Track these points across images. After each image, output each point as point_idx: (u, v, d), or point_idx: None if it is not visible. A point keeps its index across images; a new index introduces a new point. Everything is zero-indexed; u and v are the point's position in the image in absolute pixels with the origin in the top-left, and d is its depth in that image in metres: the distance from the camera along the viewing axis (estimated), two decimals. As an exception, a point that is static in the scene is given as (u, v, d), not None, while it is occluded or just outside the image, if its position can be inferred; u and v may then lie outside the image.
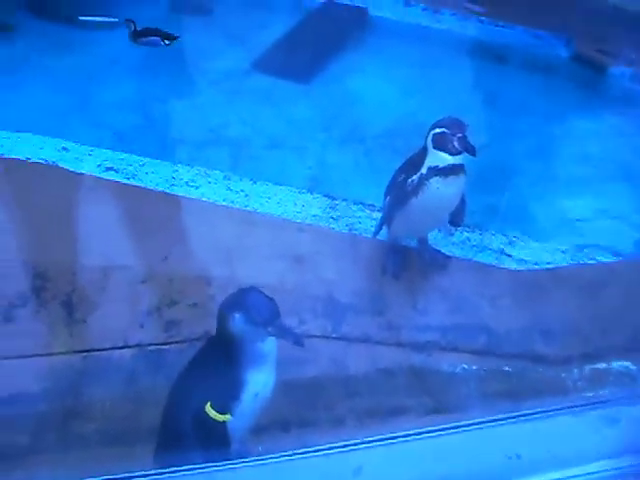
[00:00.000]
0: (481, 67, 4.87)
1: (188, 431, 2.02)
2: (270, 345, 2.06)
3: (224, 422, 1.96)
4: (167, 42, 4.47)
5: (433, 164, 2.64)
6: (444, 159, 2.61)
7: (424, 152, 2.69)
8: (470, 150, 2.58)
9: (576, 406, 2.66)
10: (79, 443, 2.42)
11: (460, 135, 2.58)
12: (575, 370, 2.85)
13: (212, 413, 1.94)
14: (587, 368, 2.87)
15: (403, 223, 2.84)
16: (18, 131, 3.46)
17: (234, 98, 4.31)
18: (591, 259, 3.22)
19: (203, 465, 2.03)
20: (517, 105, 4.62)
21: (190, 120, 4.06)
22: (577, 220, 3.65)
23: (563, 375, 2.83)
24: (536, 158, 4.22)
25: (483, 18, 5.16)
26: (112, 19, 4.62)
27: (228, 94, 4.34)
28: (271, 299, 2.06)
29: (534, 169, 4.13)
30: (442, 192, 2.67)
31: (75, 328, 2.68)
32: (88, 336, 2.66)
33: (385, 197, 2.87)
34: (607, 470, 2.22)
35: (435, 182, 2.65)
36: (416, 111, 4.27)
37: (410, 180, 2.70)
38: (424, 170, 2.66)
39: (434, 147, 2.63)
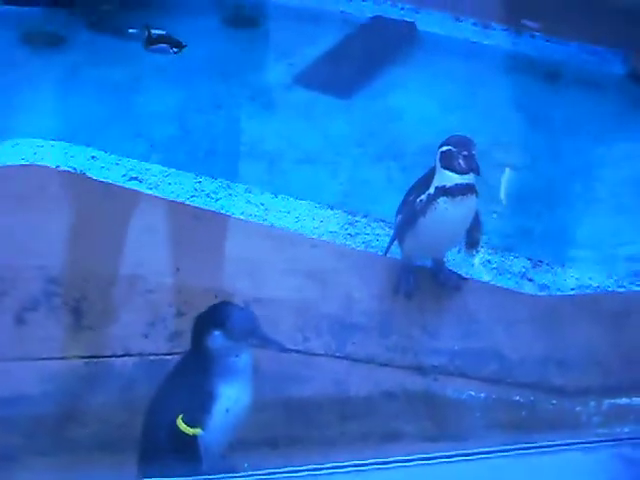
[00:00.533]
0: (530, 84, 4.74)
1: (163, 443, 2.02)
2: (244, 361, 2.04)
3: (195, 436, 1.95)
4: (175, 50, 4.56)
5: (441, 184, 2.57)
6: (451, 178, 2.55)
7: (433, 171, 2.63)
8: (475, 169, 2.51)
9: (588, 442, 2.53)
10: (72, 447, 2.45)
11: (466, 153, 2.50)
12: (592, 404, 2.71)
13: (182, 426, 1.93)
14: (606, 402, 2.73)
15: (414, 243, 2.78)
16: (54, 139, 3.58)
17: (273, 112, 4.33)
18: (620, 287, 3.07)
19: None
20: (565, 125, 4.47)
21: (225, 133, 4.11)
22: (613, 246, 3.48)
23: (578, 409, 2.69)
24: (579, 180, 4.07)
25: (536, 33, 5.02)
26: (160, 31, 4.72)
27: (268, 108, 4.36)
28: (248, 310, 2.04)
29: (575, 192, 3.98)
30: (451, 213, 2.60)
31: (81, 334, 2.73)
32: (92, 343, 2.70)
33: (396, 216, 2.82)
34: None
35: (443, 202, 2.58)
36: (456, 128, 4.13)
37: (419, 200, 2.64)
38: (432, 190, 2.59)
39: (441, 166, 2.57)
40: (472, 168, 2.51)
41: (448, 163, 2.55)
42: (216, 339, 2.01)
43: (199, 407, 1.97)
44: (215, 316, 2.04)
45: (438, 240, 2.78)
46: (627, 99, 4.64)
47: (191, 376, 2.03)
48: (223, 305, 2.07)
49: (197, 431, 1.96)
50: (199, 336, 2.03)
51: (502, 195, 3.92)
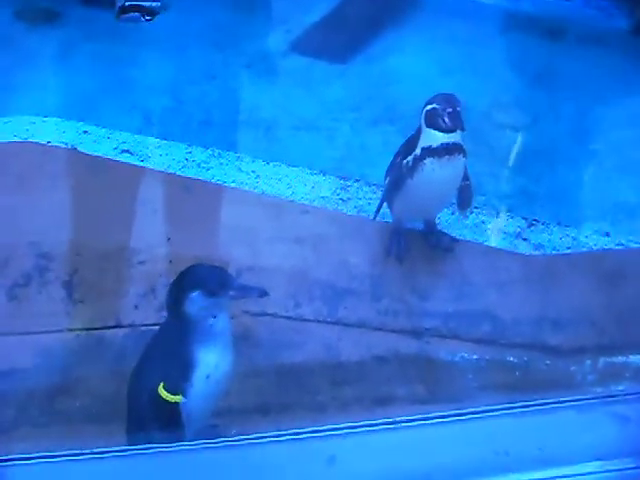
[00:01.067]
0: (531, 43, 4.62)
1: (147, 411, 2.03)
2: (222, 325, 2.02)
3: (176, 403, 1.95)
4: (148, 18, 4.49)
5: (427, 144, 2.54)
6: (437, 137, 2.51)
7: (419, 131, 2.59)
8: (459, 125, 2.46)
9: (581, 400, 2.50)
10: (63, 418, 2.47)
11: (450, 110, 2.46)
12: (587, 363, 2.68)
13: (164, 394, 1.94)
14: (601, 361, 2.69)
15: (403, 205, 2.75)
16: (46, 116, 3.57)
17: (269, 80, 4.27)
18: (618, 245, 3.02)
19: (165, 445, 2.04)
20: (567, 83, 4.35)
21: (220, 102, 4.05)
22: (613, 205, 3.41)
23: (573, 368, 2.66)
24: (581, 140, 3.98)
25: (537, -10, 4.91)
26: (154, 3, 4.67)
27: (263, 76, 4.30)
28: (219, 267, 2.03)
29: (577, 151, 3.89)
30: (438, 173, 2.56)
31: (73, 308, 2.74)
32: (84, 316, 2.71)
33: (385, 178, 2.79)
34: (602, 472, 2.08)
35: (429, 163, 2.55)
36: (455, 90, 4.07)
37: (405, 162, 2.61)
38: (418, 151, 2.56)
39: (426, 125, 2.53)
40: (457, 125, 2.47)
41: (433, 122, 2.51)
42: (194, 300, 2.00)
43: (179, 375, 1.97)
44: (189, 278, 2.03)
45: (427, 201, 2.74)
46: (632, 56, 4.50)
47: (170, 343, 2.02)
48: (194, 267, 2.05)
49: (178, 398, 1.96)
50: (176, 302, 2.02)
51: (502, 156, 3.85)
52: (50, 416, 2.47)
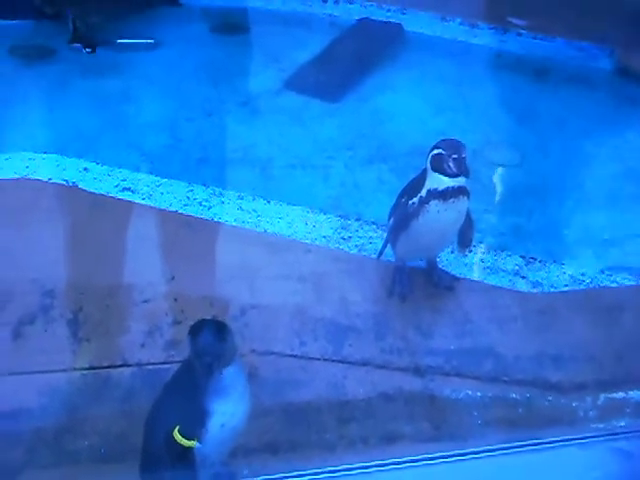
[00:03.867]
0: (518, 82, 4.76)
1: (161, 453, 2.03)
2: (231, 377, 2.03)
3: (190, 447, 1.95)
4: (88, 50, 4.69)
5: (432, 187, 2.60)
6: (442, 181, 2.57)
7: (425, 173, 2.65)
8: (464, 172, 2.53)
9: (585, 437, 2.55)
10: (72, 459, 2.45)
11: (456, 156, 2.53)
12: (588, 399, 2.73)
13: (179, 438, 1.94)
14: (602, 397, 2.74)
15: (407, 245, 2.80)
16: (45, 152, 3.59)
17: (264, 117, 4.33)
18: (613, 282, 3.09)
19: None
20: (554, 122, 4.48)
21: (217, 140, 4.11)
22: (604, 241, 3.50)
23: (575, 404, 2.71)
24: (570, 177, 4.08)
25: (522, 31, 5.05)
26: (149, 41, 4.74)
27: (258, 113, 4.36)
28: (215, 331, 2.02)
29: (567, 188, 4.00)
30: (442, 215, 2.62)
31: (79, 346, 2.74)
32: (90, 354, 2.71)
33: (389, 219, 2.84)
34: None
35: (434, 205, 2.60)
36: (446, 128, 4.20)
37: (411, 202, 2.66)
38: (423, 193, 2.62)
39: (432, 169, 2.59)
40: (462, 171, 2.53)
41: (439, 166, 2.57)
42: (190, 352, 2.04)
43: (194, 421, 1.97)
44: (191, 330, 2.05)
45: (431, 242, 2.80)
46: (615, 94, 4.66)
47: (187, 388, 2.03)
48: (201, 322, 2.06)
49: (193, 443, 1.96)
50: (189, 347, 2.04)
51: (494, 193, 3.94)
52: (58, 457, 2.45)
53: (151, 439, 2.11)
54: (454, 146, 2.55)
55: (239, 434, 2.13)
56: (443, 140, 2.61)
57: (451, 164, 2.54)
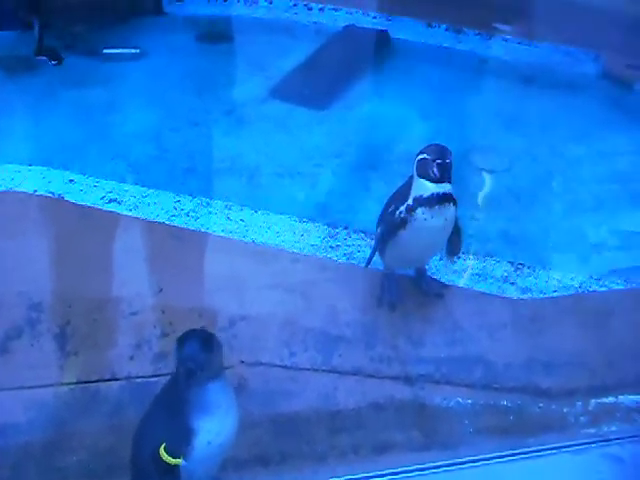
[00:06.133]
0: (504, 88, 4.78)
1: (149, 470, 2.01)
2: (216, 392, 2.01)
3: (177, 465, 1.93)
4: (54, 62, 4.67)
5: (418, 194, 2.59)
6: (427, 187, 2.56)
7: (411, 181, 2.64)
8: (446, 177, 2.52)
9: (577, 444, 2.55)
10: (60, 476, 2.43)
11: (440, 161, 2.51)
12: (579, 405, 2.73)
13: (164, 456, 1.92)
14: (592, 402, 2.74)
15: (395, 254, 2.79)
16: (30, 164, 3.56)
17: (250, 126, 4.32)
18: (602, 287, 3.09)
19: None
20: (541, 127, 4.50)
21: (203, 150, 4.09)
22: (593, 245, 3.51)
23: (565, 410, 2.71)
24: (558, 181, 4.10)
25: (508, 37, 5.07)
26: (134, 50, 4.73)
27: (244, 122, 4.36)
28: (201, 339, 2.00)
29: (555, 193, 4.00)
30: (430, 223, 2.61)
31: (67, 360, 2.71)
32: (78, 368, 2.68)
33: (377, 227, 2.83)
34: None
35: (421, 213, 2.59)
36: (433, 135, 4.21)
37: (398, 211, 2.65)
38: (410, 201, 2.61)
39: (418, 174, 2.58)
40: (443, 177, 2.52)
41: (424, 172, 2.56)
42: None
43: (179, 439, 1.95)
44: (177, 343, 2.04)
45: (419, 250, 2.79)
46: (600, 98, 4.68)
47: (173, 404, 2.01)
48: (186, 334, 2.04)
49: (178, 461, 1.94)
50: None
51: (481, 200, 3.94)
52: (45, 473, 2.43)
53: (138, 455, 2.08)
54: (439, 151, 2.54)
55: (227, 450, 2.11)
56: (428, 145, 2.60)
57: (435, 169, 2.53)
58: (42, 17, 4.74)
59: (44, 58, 4.68)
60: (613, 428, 2.66)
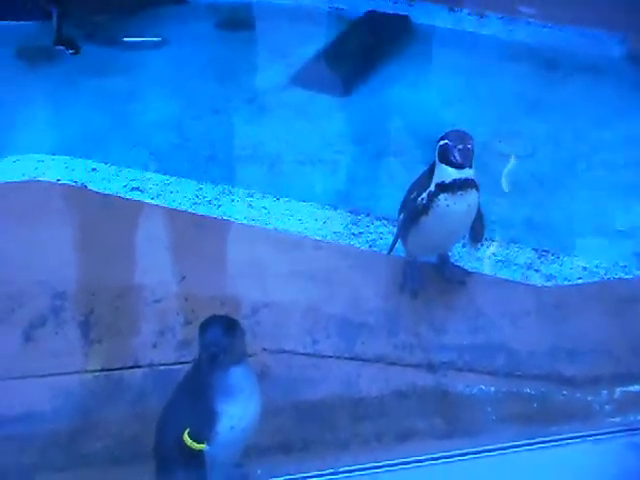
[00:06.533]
0: (528, 72, 4.72)
1: (173, 455, 2.03)
2: (239, 377, 2.01)
3: (201, 450, 1.95)
4: (71, 52, 4.69)
5: (440, 180, 2.57)
6: (449, 173, 2.54)
7: (433, 166, 2.62)
8: (467, 163, 2.50)
9: (601, 433, 2.52)
10: (86, 461, 2.45)
11: (461, 147, 2.50)
12: (604, 393, 2.70)
13: (188, 441, 1.93)
14: (617, 391, 2.71)
15: (417, 241, 2.78)
16: (54, 154, 3.59)
17: (271, 114, 4.31)
18: (628, 274, 3.05)
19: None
20: (566, 111, 4.44)
21: (225, 138, 4.09)
22: (618, 232, 3.46)
23: (590, 398, 2.68)
24: (583, 167, 4.04)
25: (531, 20, 5.00)
26: (155, 39, 4.73)
27: (265, 110, 4.35)
28: (224, 324, 2.01)
29: (579, 178, 3.95)
30: (452, 209, 2.59)
31: (90, 348, 2.73)
32: (102, 356, 2.70)
33: (399, 214, 2.81)
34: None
35: (444, 199, 2.57)
36: (456, 120, 4.15)
37: (420, 198, 2.63)
38: (432, 187, 2.59)
39: (439, 160, 2.57)
40: (465, 162, 2.50)
41: (445, 157, 2.55)
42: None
43: (203, 424, 1.97)
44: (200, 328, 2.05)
45: (442, 237, 2.77)
46: (626, 82, 4.60)
47: (196, 389, 2.02)
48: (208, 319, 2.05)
49: (202, 446, 1.95)
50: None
51: (504, 185, 3.90)
52: (71, 459, 2.45)
53: (162, 442, 2.10)
54: (460, 136, 2.52)
55: (250, 436, 2.12)
56: (450, 131, 2.58)
57: (456, 154, 2.51)
58: (61, 6, 4.75)
59: (62, 47, 4.69)
60: (639, 417, 2.63)
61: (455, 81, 4.61)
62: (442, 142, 2.57)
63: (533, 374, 2.71)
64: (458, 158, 2.53)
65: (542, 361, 2.74)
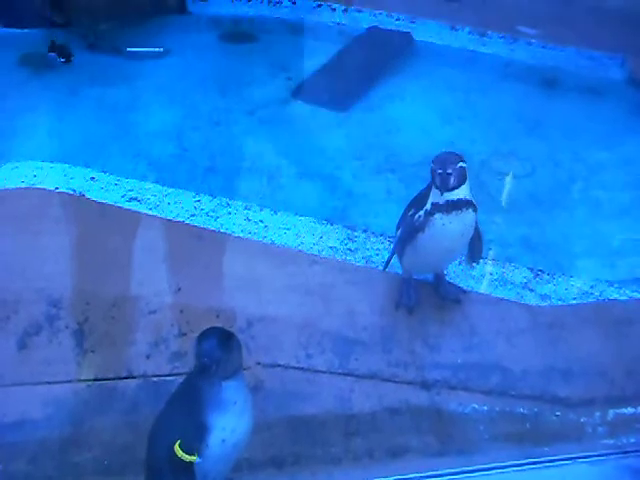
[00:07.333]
0: (528, 92, 4.75)
1: (164, 466, 2.02)
2: (232, 391, 2.01)
3: (191, 462, 1.94)
4: (62, 60, 4.73)
5: (435, 199, 2.59)
6: (441, 195, 2.56)
7: (430, 186, 2.63)
8: (444, 188, 2.52)
9: (594, 455, 2.51)
10: (77, 471, 2.44)
11: (440, 171, 2.52)
12: (597, 414, 2.70)
13: (180, 452, 1.93)
14: (611, 413, 2.71)
15: (414, 258, 2.78)
16: (53, 161, 3.59)
17: (271, 127, 4.34)
18: (623, 295, 3.06)
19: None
20: (564, 131, 4.47)
21: (224, 149, 4.11)
22: (614, 253, 3.47)
23: (583, 420, 2.68)
24: (580, 187, 4.06)
25: (532, 40, 5.03)
26: (158, 49, 4.76)
27: (266, 123, 4.37)
28: (220, 337, 2.01)
29: (577, 199, 3.97)
30: (448, 228, 2.60)
31: (84, 357, 2.73)
32: (95, 366, 2.70)
33: (396, 230, 2.82)
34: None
35: (439, 218, 2.59)
36: (455, 139, 4.19)
37: (417, 216, 2.64)
38: (428, 206, 2.61)
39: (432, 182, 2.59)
40: (444, 187, 2.52)
41: (433, 180, 2.57)
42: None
43: (194, 435, 1.96)
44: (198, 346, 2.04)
45: (438, 255, 2.77)
46: (625, 104, 4.63)
47: (189, 401, 2.02)
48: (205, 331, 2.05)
49: (193, 458, 1.95)
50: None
51: (502, 204, 3.91)
52: (62, 468, 2.45)
53: (154, 452, 2.09)
54: (441, 161, 2.55)
55: (242, 449, 2.11)
56: (440, 153, 2.60)
57: (437, 179, 2.53)
58: (65, 16, 4.77)
59: (53, 55, 4.72)
60: (632, 440, 2.62)
61: (455, 99, 4.64)
62: (432, 164, 2.59)
63: (526, 394, 2.71)
64: (437, 182, 2.56)
65: (536, 381, 2.74)
